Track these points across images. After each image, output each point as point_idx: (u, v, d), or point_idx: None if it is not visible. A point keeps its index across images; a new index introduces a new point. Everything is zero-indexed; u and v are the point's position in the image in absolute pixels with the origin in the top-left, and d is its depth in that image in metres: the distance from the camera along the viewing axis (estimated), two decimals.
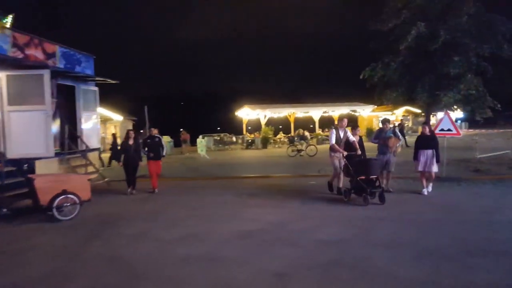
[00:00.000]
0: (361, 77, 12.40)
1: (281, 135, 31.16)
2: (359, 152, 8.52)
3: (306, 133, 26.55)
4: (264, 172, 13.53)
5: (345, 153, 8.37)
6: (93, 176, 9.85)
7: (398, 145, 8.92)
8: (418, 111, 39.38)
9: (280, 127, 33.45)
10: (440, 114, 42.05)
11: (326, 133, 31.88)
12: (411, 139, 26.87)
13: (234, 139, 29.64)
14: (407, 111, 38.98)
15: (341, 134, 8.66)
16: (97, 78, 12.03)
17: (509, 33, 10.65)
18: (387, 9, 11.86)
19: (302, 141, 20.84)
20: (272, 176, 12.42)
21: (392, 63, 11.58)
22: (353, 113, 35.13)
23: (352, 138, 8.69)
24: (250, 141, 29.15)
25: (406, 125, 38.64)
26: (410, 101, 11.95)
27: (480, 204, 7.77)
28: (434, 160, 8.55)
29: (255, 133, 30.76)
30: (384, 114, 37.44)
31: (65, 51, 10.99)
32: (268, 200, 8.58)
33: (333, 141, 8.61)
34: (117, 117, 33.23)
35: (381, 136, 9.05)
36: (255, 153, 24.00)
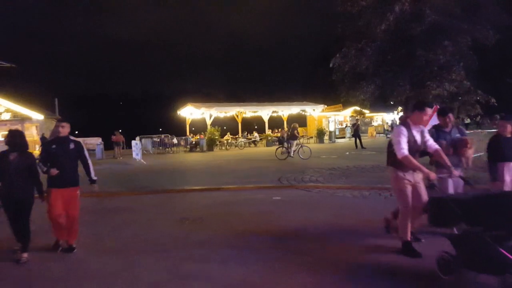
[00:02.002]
0: (331, 65, 10.22)
1: (228, 137, 28.60)
2: (456, 172, 4.43)
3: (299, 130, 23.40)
4: (213, 182, 10.88)
5: (434, 176, 4.35)
6: None
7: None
8: (366, 111, 39.13)
9: (225, 127, 30.88)
10: (389, 115, 42.38)
11: (276, 134, 29.93)
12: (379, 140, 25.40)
13: (175, 140, 26.49)
14: (355, 111, 38.44)
15: (417, 137, 4.49)
16: None
17: (496, 19, 9.24)
18: None
19: (292, 141, 17.72)
20: (222, 188, 9.81)
21: (367, 48, 9.54)
22: (303, 113, 33.63)
23: (433, 144, 4.58)
24: (194, 143, 26.22)
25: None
26: (387, 96, 10.00)
27: None
28: None
29: (200, 134, 27.90)
30: (333, 114, 36.54)
31: None
32: (222, 238, 5.52)
33: (405, 149, 4.32)
34: (37, 115, 28.53)
35: (446, 137, 5.02)
36: (200, 157, 21.19)
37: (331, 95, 49.93)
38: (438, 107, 8.74)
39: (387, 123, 40.30)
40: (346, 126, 36.30)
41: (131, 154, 20.93)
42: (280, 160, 16.85)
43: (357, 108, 37.90)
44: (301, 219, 6.45)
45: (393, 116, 41.62)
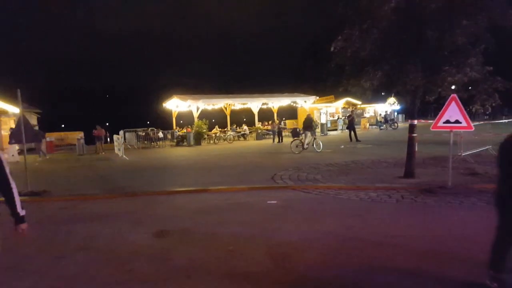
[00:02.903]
0: (332, 49, 9.05)
1: (216, 130, 27.38)
2: None
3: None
4: (200, 183, 9.76)
5: None
6: None
7: None
8: (358, 102, 38.21)
9: (213, 120, 29.55)
10: (380, 106, 41.56)
11: (266, 127, 28.84)
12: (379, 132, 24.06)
13: (161, 134, 25.19)
14: (348, 103, 37.51)
15: None
16: None
17: None
18: None
19: (307, 132, 16.46)
20: (210, 190, 8.69)
21: (373, 29, 8.41)
22: (294, 104, 32.57)
23: None
24: (180, 136, 24.97)
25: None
26: (394, 84, 8.89)
27: None
28: None
29: (187, 127, 26.62)
30: (325, 106, 35.54)
31: None
32: (210, 262, 4.38)
33: None
34: (14, 109, 26.77)
35: None
36: (186, 152, 20.00)
37: (320, 86, 49.16)
38: (456, 96, 7.78)
39: (380, 114, 39.46)
40: (338, 118, 35.36)
41: (114, 149, 19.67)
42: (272, 155, 15.80)
43: (350, 99, 36.99)
44: (304, 232, 5.37)
45: (386, 108, 40.86)
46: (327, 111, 35.36)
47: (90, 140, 24.20)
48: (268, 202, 7.16)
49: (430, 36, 8.16)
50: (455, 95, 7.65)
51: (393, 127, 34.98)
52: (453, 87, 8.36)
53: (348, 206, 6.77)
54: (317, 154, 15.26)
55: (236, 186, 8.91)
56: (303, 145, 16.34)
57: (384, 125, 34.62)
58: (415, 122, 9.57)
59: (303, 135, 16.68)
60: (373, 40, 8.56)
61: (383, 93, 44.81)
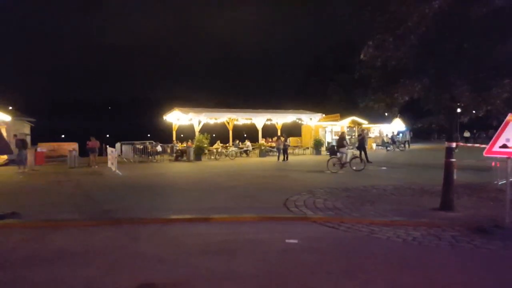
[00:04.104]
0: (361, 56, 7.71)
1: (218, 145, 25.95)
2: None
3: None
4: (200, 208, 8.28)
5: None
6: None
7: None
8: (364, 121, 36.90)
9: (214, 135, 28.02)
10: (385, 127, 40.30)
11: (270, 144, 27.44)
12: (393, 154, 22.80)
13: (159, 148, 23.74)
14: (353, 122, 36.21)
15: None
16: None
17: None
18: None
19: (343, 150, 15.47)
20: (213, 219, 7.20)
21: (411, 35, 7.09)
22: (299, 121, 31.31)
23: None
24: (180, 151, 23.53)
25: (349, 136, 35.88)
26: (434, 99, 7.51)
27: None
28: None
29: (187, 142, 25.21)
30: (330, 124, 34.23)
31: None
32: None
33: None
34: (4, 116, 25.43)
35: None
36: (186, 168, 18.53)
37: (324, 104, 48.09)
38: None
39: (386, 135, 38.10)
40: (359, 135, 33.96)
41: (107, 162, 18.22)
42: (279, 175, 14.35)
43: (355, 118, 35.81)
44: None
45: (392, 128, 39.53)
46: (332, 130, 34.08)
47: (85, 151, 22.77)
48: (287, 241, 5.63)
49: (480, 45, 6.87)
50: None
51: (400, 148, 33.65)
52: None
53: (393, 251, 5.26)
54: (327, 176, 13.86)
55: (244, 214, 7.41)
56: (342, 164, 15.26)
57: (391, 146, 33.33)
58: (453, 145, 8.17)
59: (340, 154, 15.61)
60: (409, 48, 7.25)
61: (386, 114, 43.86)
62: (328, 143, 29.41)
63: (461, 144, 13.89)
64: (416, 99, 8.29)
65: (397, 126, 39.51)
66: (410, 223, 6.76)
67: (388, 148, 33.02)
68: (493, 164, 10.48)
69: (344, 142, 15.96)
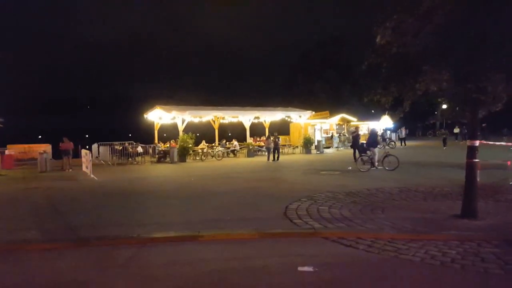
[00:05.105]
0: (377, 40, 6.58)
1: (203, 145, 24.59)
2: None
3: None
4: (185, 221, 7.02)
5: None
6: None
7: None
8: (353, 119, 36.06)
9: (197, 134, 26.51)
10: (374, 124, 39.55)
11: (258, 143, 26.24)
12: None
13: (140, 149, 22.23)
14: (343, 119, 35.34)
15: None
16: None
17: None
18: None
19: (373, 148, 14.53)
20: (202, 237, 5.93)
21: (437, 14, 6.00)
22: (288, 119, 30.23)
23: None
24: (162, 152, 22.09)
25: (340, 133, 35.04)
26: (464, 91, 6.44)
27: None
28: None
29: (171, 142, 23.76)
30: (319, 122, 33.25)
31: None
32: None
33: None
34: None
35: None
36: (169, 170, 17.16)
37: (310, 102, 47.12)
38: None
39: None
40: (332, 136, 32.95)
41: (82, 166, 16.69)
42: (272, 177, 13.18)
43: (345, 115, 35.01)
44: None
45: (380, 125, 38.80)
46: (321, 128, 33.11)
47: (59, 154, 21.09)
48: (300, 269, 4.41)
49: None
50: None
51: (390, 146, 32.95)
52: None
53: (436, 281, 4.12)
54: (323, 177, 12.78)
55: (240, 230, 6.17)
56: (372, 163, 14.33)
57: (381, 144, 32.59)
58: (477, 143, 7.17)
59: (370, 151, 14.64)
60: (433, 28, 6.16)
61: (372, 111, 43.14)
62: (318, 141, 28.40)
63: (484, 142, 12.87)
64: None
65: (385, 123, 38.82)
66: (440, 237, 5.67)
67: (379, 146, 32.24)
68: (508, 162, 9.58)
69: (379, 139, 15.07)
